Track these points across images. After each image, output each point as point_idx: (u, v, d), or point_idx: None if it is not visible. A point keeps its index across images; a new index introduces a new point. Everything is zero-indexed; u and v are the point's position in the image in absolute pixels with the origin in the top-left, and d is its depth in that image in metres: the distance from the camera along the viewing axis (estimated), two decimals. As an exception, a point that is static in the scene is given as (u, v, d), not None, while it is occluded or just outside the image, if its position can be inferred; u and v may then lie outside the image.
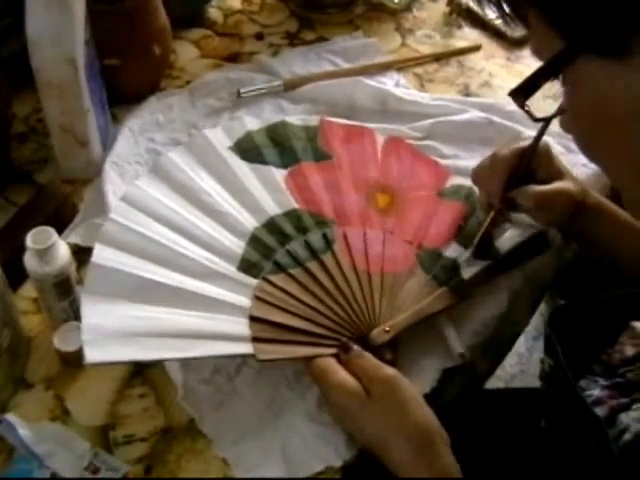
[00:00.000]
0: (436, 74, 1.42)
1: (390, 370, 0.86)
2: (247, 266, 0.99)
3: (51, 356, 0.96)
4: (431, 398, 0.90)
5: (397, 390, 0.85)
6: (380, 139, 1.21)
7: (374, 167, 1.16)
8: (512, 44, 1.48)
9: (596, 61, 0.64)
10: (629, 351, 0.95)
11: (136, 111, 1.28)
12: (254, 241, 1.02)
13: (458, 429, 0.85)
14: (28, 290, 1.01)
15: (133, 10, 1.21)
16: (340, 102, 1.30)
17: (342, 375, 0.87)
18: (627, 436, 0.86)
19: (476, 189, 1.13)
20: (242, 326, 0.93)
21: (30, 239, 0.89)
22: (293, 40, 1.47)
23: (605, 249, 1.04)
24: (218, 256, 1.00)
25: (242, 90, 1.30)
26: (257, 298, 0.96)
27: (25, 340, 0.97)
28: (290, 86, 1.33)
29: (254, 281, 0.98)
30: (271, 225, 1.05)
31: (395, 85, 1.37)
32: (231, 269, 0.99)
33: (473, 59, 1.45)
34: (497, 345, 1.08)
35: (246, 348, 0.90)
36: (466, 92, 1.38)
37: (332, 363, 0.89)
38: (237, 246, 1.01)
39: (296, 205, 1.08)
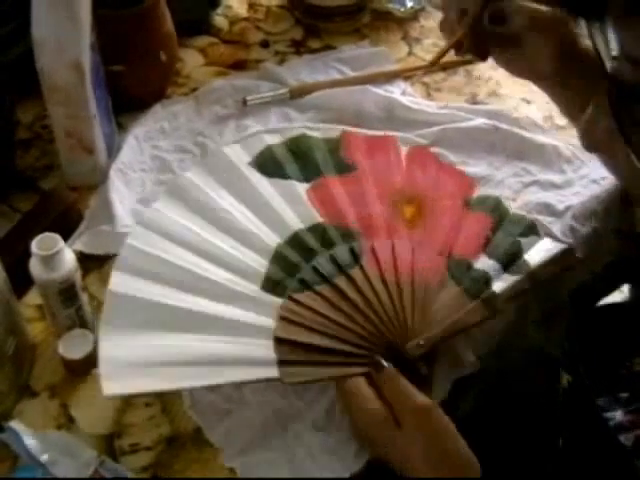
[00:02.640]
0: (443, 83, 1.41)
1: (424, 399, 0.83)
2: (271, 285, 0.97)
3: (56, 363, 0.95)
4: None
5: (431, 422, 0.81)
6: (403, 148, 1.19)
7: (399, 177, 1.14)
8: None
9: None
10: None
11: (141, 118, 1.27)
12: (277, 258, 1.00)
13: (474, 441, 0.83)
14: (33, 297, 1.01)
15: (139, 16, 1.21)
16: (347, 110, 1.29)
17: (372, 403, 0.84)
18: None
19: (505, 202, 1.12)
20: (267, 349, 0.90)
21: (35, 245, 0.88)
22: (299, 48, 1.46)
23: None
24: (240, 276, 0.97)
25: (248, 98, 1.29)
26: (282, 318, 0.93)
27: (30, 347, 0.96)
28: (296, 94, 1.32)
29: (279, 300, 0.95)
30: (295, 241, 1.02)
31: (402, 94, 1.36)
32: (254, 289, 0.96)
33: (480, 68, 1.44)
34: (506, 359, 1.06)
35: (272, 372, 0.88)
36: (473, 101, 1.37)
37: (363, 388, 0.86)
38: (260, 265, 0.99)
39: (320, 219, 1.05)
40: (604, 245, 1.11)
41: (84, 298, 0.95)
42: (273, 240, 1.02)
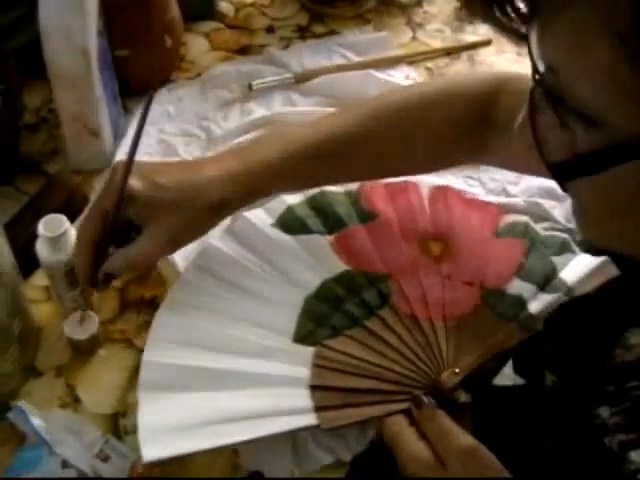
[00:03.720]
0: (447, 68, 1.42)
1: (468, 439, 0.79)
2: (302, 336, 0.96)
3: (62, 344, 0.96)
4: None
5: (476, 462, 0.78)
6: (425, 190, 1.16)
7: (423, 218, 1.11)
8: (523, 39, 1.47)
9: None
10: (629, 356, 0.91)
11: (147, 102, 1.27)
12: (307, 311, 0.98)
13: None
14: (39, 278, 1.02)
15: (145, 2, 1.21)
16: (350, 95, 1.30)
17: (416, 444, 0.80)
18: None
19: (532, 223, 1.12)
20: (303, 398, 0.89)
21: (42, 227, 0.89)
22: (304, 33, 1.47)
23: None
24: (271, 332, 0.96)
25: (253, 82, 1.30)
26: (316, 365, 0.92)
27: (36, 329, 0.97)
28: (301, 79, 1.33)
29: (311, 349, 0.94)
30: (323, 291, 1.01)
31: (405, 78, 1.37)
32: (286, 341, 0.95)
33: (484, 54, 1.45)
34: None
35: (310, 419, 0.87)
36: (476, 86, 1.37)
37: (404, 428, 0.83)
38: (290, 319, 0.97)
39: (346, 267, 1.04)
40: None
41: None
42: (301, 294, 1.01)
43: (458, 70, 1.42)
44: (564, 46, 0.58)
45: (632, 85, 0.54)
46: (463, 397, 0.89)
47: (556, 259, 1.06)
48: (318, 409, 0.88)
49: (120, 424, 0.90)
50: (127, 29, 1.21)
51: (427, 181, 1.16)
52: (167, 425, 0.85)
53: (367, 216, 1.10)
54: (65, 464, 0.83)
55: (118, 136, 1.20)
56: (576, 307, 0.96)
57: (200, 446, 0.84)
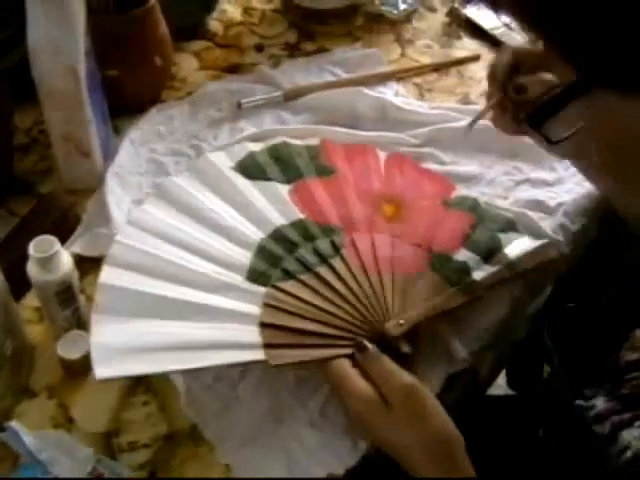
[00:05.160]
0: (436, 84, 1.43)
1: (408, 377, 0.85)
2: (255, 276, 0.99)
3: (54, 364, 0.96)
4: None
5: (416, 399, 0.84)
6: (382, 155, 1.21)
7: (378, 180, 1.16)
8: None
9: (613, 95, 0.63)
10: (631, 356, 0.94)
11: (137, 122, 1.28)
12: (261, 251, 1.02)
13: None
14: (31, 299, 1.02)
15: (133, 21, 1.22)
16: (340, 112, 1.31)
17: (359, 383, 0.86)
18: (628, 454, 0.86)
19: (480, 200, 1.14)
20: (253, 334, 0.92)
21: (33, 247, 0.89)
22: (293, 51, 1.48)
23: None
24: (226, 268, 1.00)
25: (243, 101, 1.31)
26: (267, 305, 0.96)
27: (29, 349, 0.97)
28: (290, 96, 1.34)
29: (263, 289, 0.98)
30: (277, 235, 1.05)
31: (394, 95, 1.37)
32: (239, 279, 0.99)
33: (473, 69, 1.46)
34: (498, 352, 1.08)
35: (258, 355, 0.90)
36: (466, 101, 1.38)
37: (348, 369, 0.88)
38: (244, 257, 1.01)
39: (302, 215, 1.08)
40: (590, 239, 1.13)
41: (82, 300, 0.97)
42: (257, 235, 1.05)
43: (447, 85, 1.42)
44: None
45: (549, 51, 0.65)
46: (405, 348, 0.93)
47: (501, 236, 1.09)
48: (266, 346, 0.91)
49: (114, 443, 0.91)
50: (116, 49, 1.21)
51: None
52: (119, 347, 0.89)
53: (325, 171, 1.16)
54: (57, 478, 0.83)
55: (109, 156, 1.20)
56: (588, 309, 0.98)
57: (150, 369, 0.89)
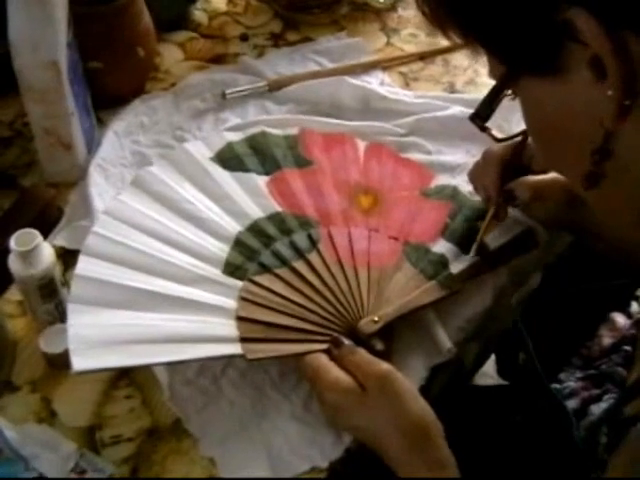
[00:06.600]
0: (421, 73, 1.42)
1: (384, 365, 0.86)
2: (232, 269, 0.99)
3: (37, 358, 0.96)
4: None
5: (392, 385, 0.85)
6: (361, 145, 1.21)
7: (356, 171, 1.16)
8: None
9: (536, 80, 0.67)
10: (607, 342, 0.95)
11: (121, 114, 1.28)
12: (238, 244, 1.02)
13: (444, 424, 0.85)
14: (13, 293, 1.02)
15: (116, 13, 1.21)
16: (324, 102, 1.31)
17: (336, 373, 0.87)
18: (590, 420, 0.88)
19: (461, 188, 1.14)
20: (230, 327, 0.92)
21: (14, 241, 0.89)
22: (277, 41, 1.47)
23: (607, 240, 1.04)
24: (202, 261, 1.00)
25: (227, 91, 1.30)
26: (243, 299, 0.96)
27: (11, 343, 0.97)
28: (275, 87, 1.33)
29: (239, 283, 0.98)
30: (254, 228, 1.05)
31: (379, 84, 1.37)
32: (216, 272, 0.99)
33: (458, 57, 1.45)
34: (482, 342, 1.08)
35: (235, 349, 0.90)
36: (451, 90, 1.38)
37: (324, 361, 0.89)
38: (221, 250, 1.01)
39: (279, 208, 1.08)
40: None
41: (64, 293, 0.96)
42: (234, 228, 1.04)
43: (432, 74, 1.42)
44: None
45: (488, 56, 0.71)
46: (379, 345, 0.93)
47: (480, 224, 1.08)
48: (243, 340, 0.91)
49: (97, 437, 0.90)
50: (99, 41, 1.21)
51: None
52: (96, 339, 0.88)
53: (303, 162, 1.16)
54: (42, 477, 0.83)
55: (92, 148, 1.20)
56: (552, 294, 0.99)
57: (127, 362, 0.88)
